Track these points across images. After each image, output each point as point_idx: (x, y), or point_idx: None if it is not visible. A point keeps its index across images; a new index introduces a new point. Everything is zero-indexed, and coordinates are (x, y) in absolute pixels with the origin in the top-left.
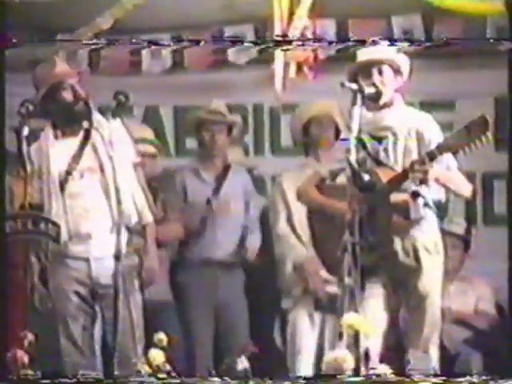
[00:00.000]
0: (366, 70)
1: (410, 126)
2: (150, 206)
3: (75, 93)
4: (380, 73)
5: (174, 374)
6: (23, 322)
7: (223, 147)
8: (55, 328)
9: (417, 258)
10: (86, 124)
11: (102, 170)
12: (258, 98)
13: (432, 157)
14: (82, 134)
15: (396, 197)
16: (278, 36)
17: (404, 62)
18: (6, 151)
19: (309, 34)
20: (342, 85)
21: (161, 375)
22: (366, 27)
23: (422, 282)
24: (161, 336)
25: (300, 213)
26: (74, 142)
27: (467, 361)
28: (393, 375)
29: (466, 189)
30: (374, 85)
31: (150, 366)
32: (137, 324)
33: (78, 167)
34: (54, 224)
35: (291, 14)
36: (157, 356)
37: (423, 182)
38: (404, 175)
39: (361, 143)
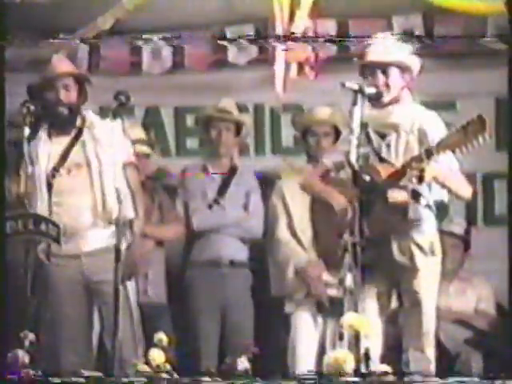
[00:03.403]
0: (372, 70)
1: (413, 123)
2: (135, 203)
3: (68, 93)
4: (385, 74)
5: (174, 374)
6: (24, 322)
7: (230, 146)
8: (54, 327)
9: (411, 259)
10: (78, 123)
11: (88, 165)
12: (258, 98)
13: (429, 154)
14: (73, 132)
15: (394, 194)
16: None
17: (414, 62)
18: (7, 151)
19: (310, 34)
20: (343, 85)
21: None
22: (366, 27)
23: (416, 283)
24: (161, 336)
25: (300, 217)
26: (65, 141)
27: (467, 361)
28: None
29: (466, 190)
30: (375, 86)
31: (150, 366)
32: (136, 322)
33: (65, 164)
34: (55, 224)
35: (292, 14)
36: (157, 356)
37: (420, 179)
38: (402, 172)
39: (366, 138)
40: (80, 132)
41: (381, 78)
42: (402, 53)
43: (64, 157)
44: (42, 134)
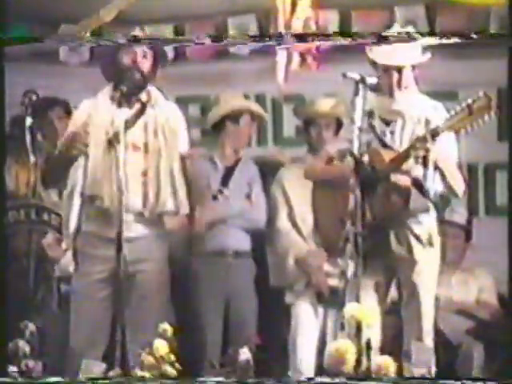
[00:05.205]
0: (386, 68)
1: (419, 113)
2: (191, 200)
3: (144, 59)
4: (400, 73)
5: (177, 366)
6: (25, 313)
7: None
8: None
9: (409, 250)
10: (143, 97)
11: (146, 150)
12: (260, 88)
13: (434, 134)
14: (137, 106)
15: (397, 177)
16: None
17: (424, 57)
18: (9, 141)
19: (312, 25)
20: (344, 75)
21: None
22: (369, 18)
23: (414, 274)
24: (165, 326)
25: (301, 207)
26: (127, 113)
27: (469, 351)
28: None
29: (459, 185)
30: (388, 84)
31: (154, 356)
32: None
33: (123, 140)
34: (57, 214)
35: (294, 4)
36: (161, 347)
37: (425, 161)
38: (406, 154)
39: (370, 125)
40: (143, 108)
41: (395, 76)
42: (416, 52)
43: (123, 131)
44: (107, 96)
